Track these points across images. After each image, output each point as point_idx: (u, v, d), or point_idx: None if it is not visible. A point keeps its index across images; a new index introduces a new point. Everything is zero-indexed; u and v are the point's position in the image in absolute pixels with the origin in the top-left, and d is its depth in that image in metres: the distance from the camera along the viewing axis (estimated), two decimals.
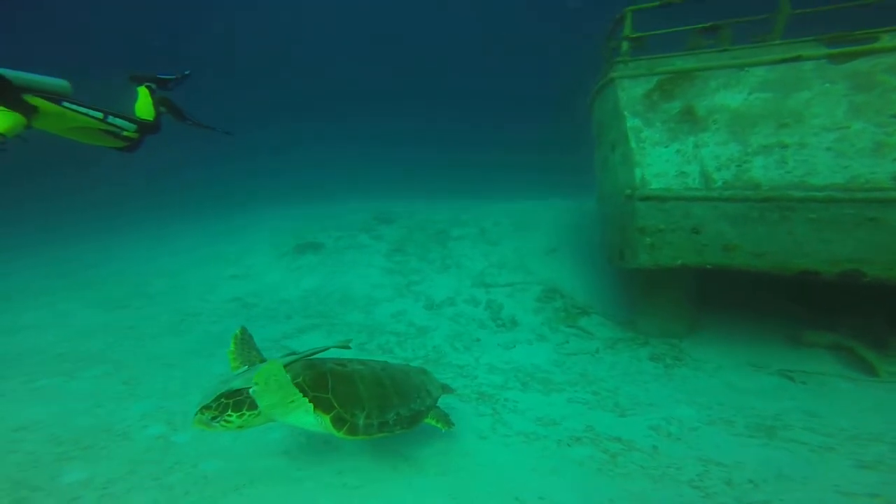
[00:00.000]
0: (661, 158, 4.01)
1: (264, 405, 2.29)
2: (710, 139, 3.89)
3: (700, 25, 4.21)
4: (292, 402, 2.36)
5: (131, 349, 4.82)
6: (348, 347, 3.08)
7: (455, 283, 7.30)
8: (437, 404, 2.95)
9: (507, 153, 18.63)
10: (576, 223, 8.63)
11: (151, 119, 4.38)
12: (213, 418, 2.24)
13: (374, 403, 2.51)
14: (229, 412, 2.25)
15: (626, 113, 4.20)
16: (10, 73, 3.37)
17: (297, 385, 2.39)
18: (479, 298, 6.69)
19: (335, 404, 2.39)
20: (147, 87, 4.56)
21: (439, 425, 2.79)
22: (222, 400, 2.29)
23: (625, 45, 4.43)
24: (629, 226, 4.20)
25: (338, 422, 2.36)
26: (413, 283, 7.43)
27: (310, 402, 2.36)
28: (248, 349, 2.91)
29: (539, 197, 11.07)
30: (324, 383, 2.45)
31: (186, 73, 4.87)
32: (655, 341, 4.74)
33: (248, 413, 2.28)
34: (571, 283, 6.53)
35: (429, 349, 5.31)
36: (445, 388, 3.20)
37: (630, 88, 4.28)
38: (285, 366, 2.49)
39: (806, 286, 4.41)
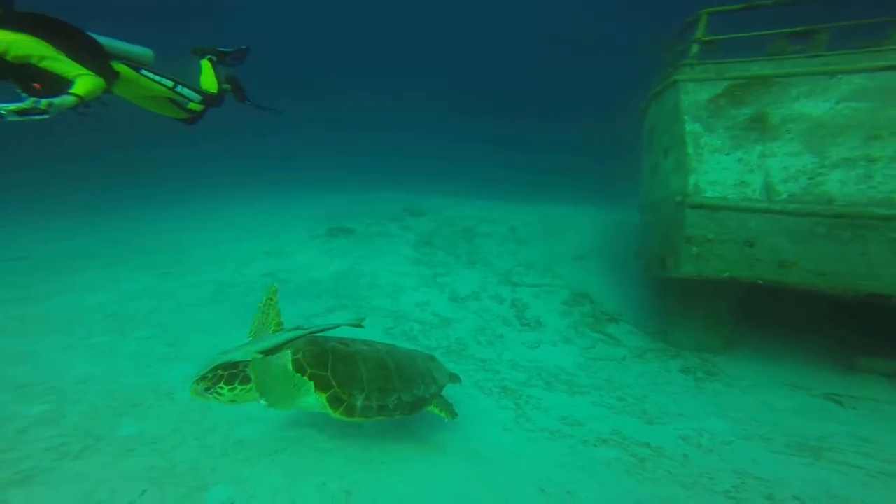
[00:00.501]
0: (719, 166, 3.86)
1: (267, 393, 2.17)
2: (780, 149, 3.72)
3: (790, 30, 3.98)
4: (294, 386, 2.25)
5: (174, 314, 4.97)
6: (361, 326, 3.00)
7: (481, 278, 7.26)
8: (443, 393, 2.83)
9: (540, 155, 18.39)
10: (607, 232, 8.47)
11: (215, 91, 4.41)
12: (207, 389, 2.21)
13: (374, 385, 2.41)
14: (221, 384, 2.21)
15: (686, 117, 4.05)
16: (102, 40, 3.48)
17: (296, 361, 2.33)
18: (504, 296, 6.64)
19: (333, 383, 2.30)
20: (209, 59, 4.60)
21: (443, 414, 2.66)
22: (218, 371, 2.26)
23: (695, 48, 4.27)
24: (675, 234, 4.07)
25: (334, 401, 2.26)
26: (439, 274, 7.43)
27: (308, 379, 2.26)
28: (271, 310, 2.86)
29: (570, 202, 10.92)
30: (323, 361, 2.37)
31: (244, 47, 4.85)
32: (688, 354, 4.59)
33: (239, 387, 2.22)
34: (600, 289, 6.41)
35: (452, 340, 5.30)
36: (453, 378, 3.07)
37: (694, 92, 4.12)
38: (288, 341, 2.46)
39: (852, 308, 4.18)
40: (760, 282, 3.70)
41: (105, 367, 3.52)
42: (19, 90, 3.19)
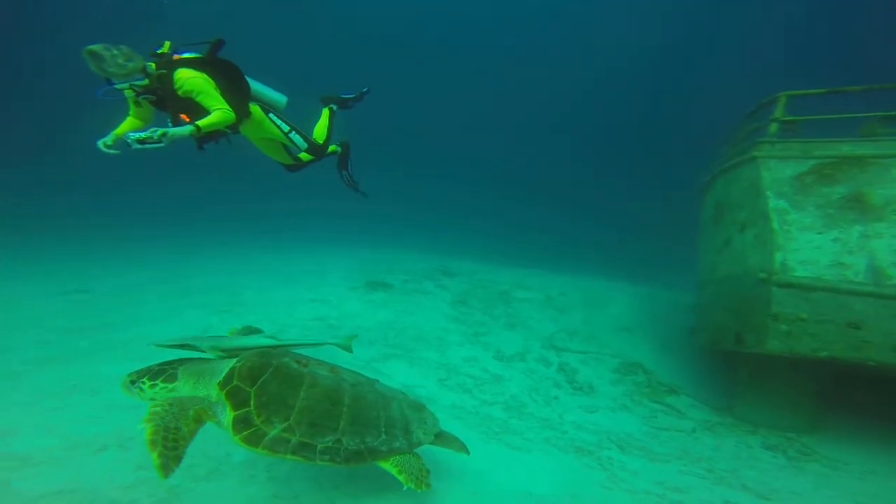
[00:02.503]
0: (810, 245, 3.86)
1: (177, 386, 2.01)
2: (886, 230, 3.69)
3: (885, 113, 4.15)
4: (203, 389, 2.01)
5: None
6: (349, 350, 2.76)
7: (522, 341, 7.09)
8: (418, 452, 2.27)
9: (571, 226, 18.62)
10: (647, 306, 8.37)
11: (321, 142, 4.39)
12: (133, 382, 2.03)
13: (306, 417, 1.97)
14: (145, 379, 2.02)
15: (768, 193, 4.13)
16: (252, 83, 3.71)
17: (231, 370, 2.03)
18: (550, 359, 6.43)
19: (251, 403, 1.93)
20: (330, 108, 4.62)
21: (401, 478, 2.08)
22: (154, 366, 2.08)
23: (773, 127, 4.45)
24: (758, 310, 4.00)
25: (240, 423, 1.88)
26: (480, 333, 7.28)
27: (223, 393, 1.94)
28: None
29: (601, 276, 10.93)
30: (256, 376, 2.02)
31: (365, 90, 4.84)
32: (764, 431, 4.29)
33: (161, 385, 2.02)
34: (653, 360, 6.20)
35: (507, 396, 5.06)
36: (443, 438, 2.48)
37: (776, 169, 4.23)
38: (260, 346, 2.24)
39: None
40: (872, 363, 3.53)
41: None
42: (169, 120, 3.45)
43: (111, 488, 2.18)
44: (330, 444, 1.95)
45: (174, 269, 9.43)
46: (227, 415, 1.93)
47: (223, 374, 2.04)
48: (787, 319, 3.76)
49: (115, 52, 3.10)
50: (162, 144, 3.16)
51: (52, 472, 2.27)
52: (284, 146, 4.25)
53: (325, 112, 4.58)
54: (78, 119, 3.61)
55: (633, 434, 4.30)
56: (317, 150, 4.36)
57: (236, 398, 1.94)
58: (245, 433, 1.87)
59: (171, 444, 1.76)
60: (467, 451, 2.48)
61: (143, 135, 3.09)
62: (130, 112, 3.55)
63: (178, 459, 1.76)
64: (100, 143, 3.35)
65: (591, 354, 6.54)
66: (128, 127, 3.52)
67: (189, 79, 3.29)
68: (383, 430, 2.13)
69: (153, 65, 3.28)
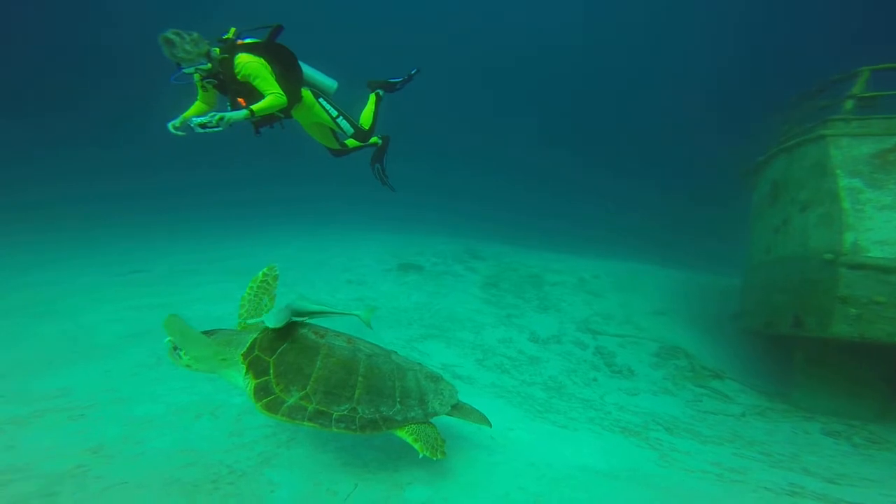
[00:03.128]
0: (889, 224, 3.63)
1: (189, 356, 2.07)
2: None
3: None
4: (223, 360, 2.07)
5: None
6: (369, 325, 2.64)
7: (557, 323, 6.98)
8: (435, 422, 2.23)
9: (593, 211, 18.17)
10: (682, 290, 8.11)
11: (366, 128, 4.28)
12: (175, 348, 2.09)
13: (323, 386, 1.99)
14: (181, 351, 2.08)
15: (838, 171, 3.89)
16: (304, 67, 3.71)
17: (253, 341, 2.09)
18: (586, 342, 6.32)
19: (271, 371, 1.98)
20: (377, 93, 4.49)
21: (417, 446, 2.06)
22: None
23: (849, 104, 4.17)
24: (821, 292, 3.79)
25: (260, 391, 1.94)
26: (513, 315, 7.21)
27: (245, 362, 2.01)
28: (265, 294, 2.64)
29: (632, 259, 10.62)
30: (276, 346, 2.07)
31: (414, 71, 4.65)
32: (824, 418, 4.10)
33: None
34: (693, 344, 6.01)
35: (545, 377, 5.00)
36: (461, 410, 2.41)
37: (849, 147, 3.97)
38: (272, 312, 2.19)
39: None
40: None
41: None
42: (228, 104, 3.49)
43: (213, 451, 2.35)
44: (346, 412, 1.97)
45: (217, 250, 9.67)
46: (249, 383, 1.97)
47: (247, 345, 2.10)
48: (859, 303, 3.54)
49: (186, 37, 3.21)
50: (220, 128, 3.27)
51: (170, 434, 2.49)
52: (332, 131, 4.22)
53: (372, 98, 4.46)
54: (154, 103, 3.70)
55: (679, 417, 4.18)
56: (362, 135, 4.26)
57: (257, 367, 2.00)
58: (265, 400, 1.91)
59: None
60: (489, 423, 2.40)
61: (203, 119, 3.21)
62: (198, 96, 3.62)
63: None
64: (169, 126, 3.47)
65: (628, 338, 6.39)
66: (195, 110, 3.61)
67: (247, 63, 3.33)
68: (398, 399, 2.13)
69: (217, 50, 3.34)
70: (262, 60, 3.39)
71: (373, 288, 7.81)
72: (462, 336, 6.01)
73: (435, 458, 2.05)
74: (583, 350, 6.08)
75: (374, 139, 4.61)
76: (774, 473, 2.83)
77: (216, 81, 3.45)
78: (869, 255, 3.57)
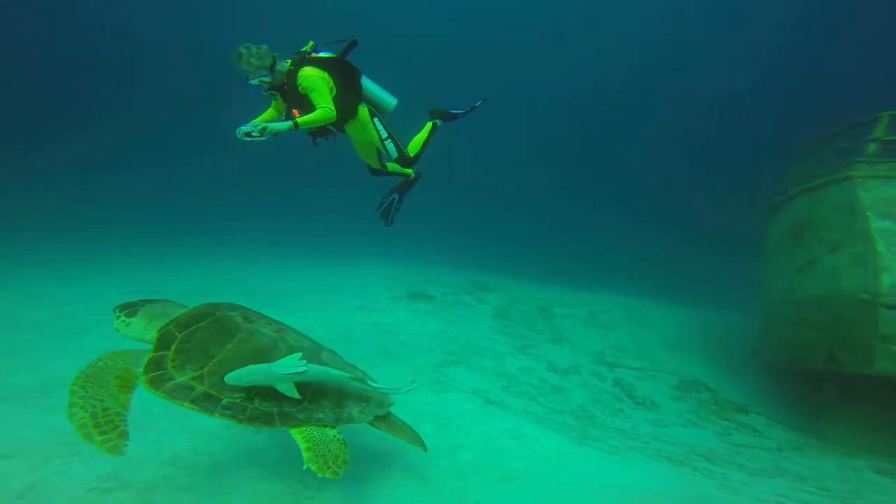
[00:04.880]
0: None
1: (119, 320, 2.07)
2: None
3: None
4: (151, 332, 1.99)
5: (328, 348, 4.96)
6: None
7: (572, 355, 6.86)
8: (338, 428, 1.91)
9: (602, 247, 18.27)
10: (692, 327, 8.09)
11: (411, 156, 4.13)
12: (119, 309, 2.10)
13: (223, 369, 1.79)
14: (117, 309, 2.08)
15: (869, 213, 3.98)
16: (366, 82, 3.72)
17: (176, 317, 2.00)
18: (604, 374, 6.19)
19: (172, 347, 1.85)
20: (434, 122, 4.31)
21: (306, 455, 1.75)
22: (136, 300, 2.15)
23: (872, 147, 4.32)
24: (859, 330, 3.82)
25: (152, 364, 1.79)
26: (528, 346, 7.07)
27: (157, 335, 1.91)
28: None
29: (638, 296, 10.61)
30: (190, 323, 1.94)
31: (478, 103, 4.46)
32: (866, 455, 3.98)
33: (123, 318, 2.06)
34: (712, 378, 5.92)
35: (573, 406, 4.85)
36: (392, 425, 2.14)
37: (877, 189, 4.08)
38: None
39: None
40: None
41: None
42: (284, 114, 3.54)
43: (280, 463, 2.34)
44: (238, 400, 1.76)
45: (221, 275, 9.46)
46: (147, 356, 1.83)
47: (168, 319, 1.99)
48: None
49: (254, 50, 3.30)
50: (263, 138, 3.27)
51: (236, 445, 2.47)
52: (378, 151, 4.17)
53: (428, 126, 4.30)
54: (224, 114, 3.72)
55: (715, 449, 4.04)
56: (406, 162, 4.14)
57: (162, 341, 1.87)
58: (151, 375, 1.75)
59: (107, 426, 1.65)
60: (423, 447, 2.13)
61: (247, 127, 3.23)
62: (272, 104, 3.66)
63: (124, 435, 1.64)
64: (237, 131, 3.35)
65: (646, 371, 6.28)
66: (265, 118, 3.63)
67: (308, 76, 3.37)
68: (308, 397, 1.88)
69: (289, 62, 3.41)
70: (325, 74, 3.42)
71: (386, 314, 7.65)
72: (484, 364, 5.85)
73: (322, 476, 1.70)
74: (602, 381, 5.94)
75: (409, 171, 4.43)
76: None
77: (279, 93, 3.50)
78: None
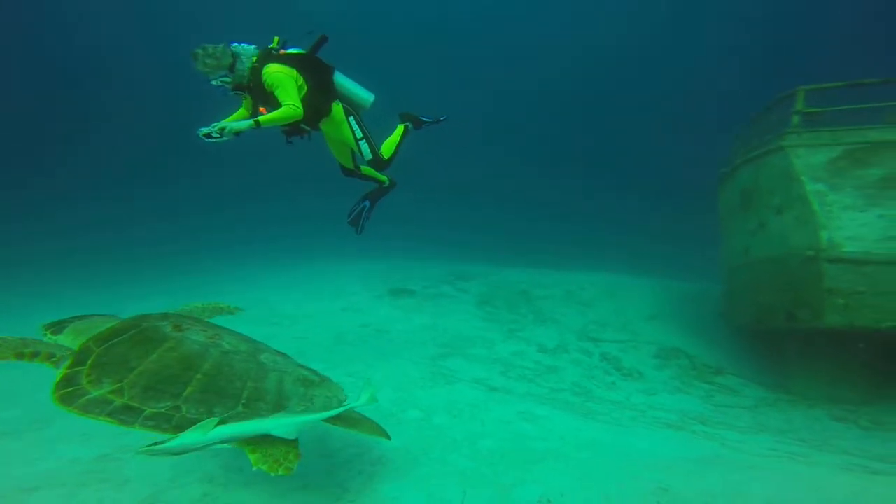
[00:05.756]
0: (855, 222, 4.02)
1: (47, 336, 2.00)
2: None
3: None
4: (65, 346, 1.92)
5: (325, 354, 4.84)
6: (374, 400, 2.12)
7: (557, 334, 7.09)
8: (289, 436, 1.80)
9: (574, 225, 18.67)
10: (666, 297, 8.52)
11: (385, 158, 4.03)
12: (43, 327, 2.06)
13: (144, 380, 1.71)
14: (44, 329, 2.03)
15: (803, 178, 4.31)
16: (340, 78, 3.61)
17: (96, 335, 1.91)
18: (590, 350, 6.45)
19: (89, 361, 1.77)
20: (405, 126, 4.27)
21: (252, 456, 1.71)
22: (64, 319, 2.09)
23: (796, 119, 4.67)
24: (809, 286, 4.14)
25: (64, 381, 1.70)
26: (515, 330, 7.25)
27: (76, 351, 1.84)
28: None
29: (610, 271, 11.00)
30: (111, 337, 1.87)
31: (443, 118, 4.50)
32: (824, 405, 4.39)
33: (49, 336, 2.00)
34: (689, 345, 6.30)
35: (569, 384, 5.04)
36: (345, 419, 2.03)
37: (807, 156, 4.43)
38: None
39: None
40: None
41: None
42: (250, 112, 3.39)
43: (313, 473, 2.37)
44: (164, 410, 1.67)
45: (197, 287, 9.05)
46: (60, 373, 1.75)
47: (91, 334, 1.92)
48: (844, 293, 3.90)
49: (210, 50, 3.19)
50: (224, 138, 3.17)
51: None
52: (352, 151, 4.11)
53: (400, 129, 4.25)
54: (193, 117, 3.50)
55: (704, 412, 4.33)
56: (379, 164, 4.06)
57: (79, 357, 1.79)
58: (63, 392, 1.67)
59: None
60: (386, 436, 2.08)
61: (206, 129, 3.13)
62: (243, 105, 3.47)
63: None
64: (198, 133, 3.23)
65: (628, 343, 6.59)
66: (234, 118, 3.47)
67: (273, 73, 3.27)
68: (243, 402, 1.79)
69: (254, 59, 3.27)
70: (292, 71, 3.32)
71: (371, 314, 7.59)
72: (477, 352, 5.95)
73: (274, 474, 1.68)
74: (590, 357, 6.20)
75: (384, 177, 4.41)
76: (832, 457, 2.98)
77: (243, 92, 3.39)
78: (844, 249, 3.98)
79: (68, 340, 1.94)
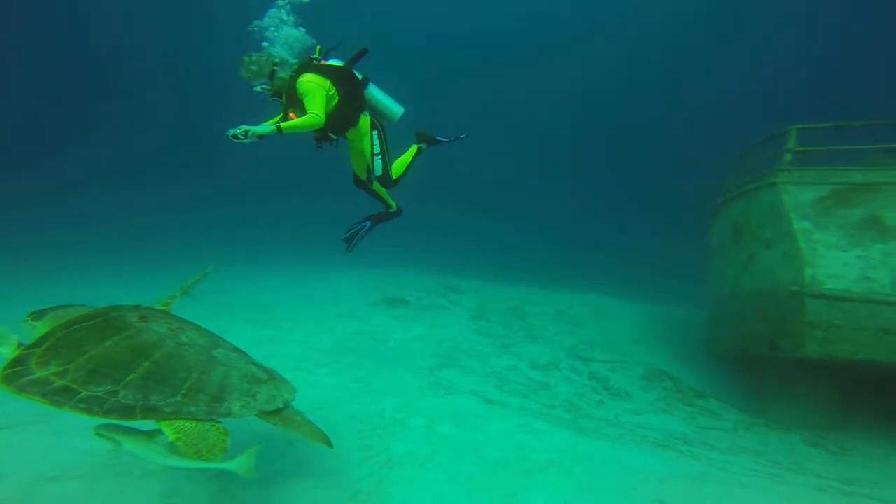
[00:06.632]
0: (837, 261, 4.30)
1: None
2: None
3: (887, 146, 4.71)
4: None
5: (328, 359, 4.95)
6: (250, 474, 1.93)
7: (549, 351, 7.28)
8: (225, 423, 1.84)
9: (566, 246, 18.95)
10: (650, 321, 8.81)
11: (394, 178, 4.06)
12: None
13: (91, 364, 1.74)
14: (28, 315, 2.07)
15: (792, 215, 4.61)
16: (375, 90, 3.79)
17: (65, 321, 1.95)
18: (580, 368, 6.65)
19: (45, 344, 1.81)
20: (419, 147, 4.29)
21: (171, 437, 1.69)
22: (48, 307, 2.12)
23: (787, 157, 4.95)
24: (792, 319, 4.41)
25: (13, 362, 1.73)
26: (508, 345, 7.42)
27: (41, 335, 1.88)
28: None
29: (598, 293, 11.28)
30: (75, 323, 1.91)
31: (463, 136, 4.52)
32: (797, 430, 4.64)
33: (29, 322, 2.05)
34: (674, 368, 6.55)
35: (560, 401, 5.21)
36: (286, 419, 2.02)
37: (796, 193, 4.71)
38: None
39: None
40: None
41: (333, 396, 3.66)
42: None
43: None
44: (100, 393, 1.67)
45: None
46: (13, 354, 1.80)
47: (62, 321, 1.96)
48: (823, 326, 4.19)
49: (254, 58, 3.45)
50: (248, 140, 3.34)
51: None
52: (367, 164, 4.21)
53: (413, 149, 4.29)
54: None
55: (687, 433, 4.54)
56: (387, 182, 4.10)
57: (39, 340, 1.84)
58: (8, 371, 1.68)
59: None
60: (328, 444, 2.04)
61: (234, 130, 3.30)
62: (281, 110, 3.64)
63: None
64: (227, 133, 3.36)
65: (616, 363, 6.81)
66: (270, 123, 3.62)
67: (305, 82, 3.45)
68: (182, 391, 1.80)
69: (295, 68, 3.52)
70: (325, 82, 3.49)
71: (367, 321, 7.69)
72: (472, 365, 6.09)
73: (198, 460, 1.68)
74: (580, 376, 6.39)
75: (392, 202, 4.48)
76: (807, 479, 3.20)
77: (281, 99, 3.59)
78: (825, 287, 4.28)
79: (45, 327, 1.97)
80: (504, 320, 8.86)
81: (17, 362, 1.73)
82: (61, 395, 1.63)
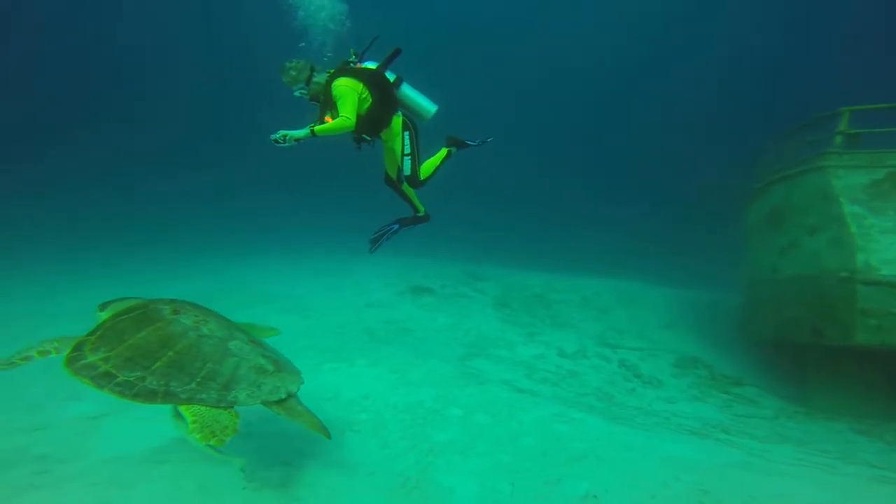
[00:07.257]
0: (893, 247, 4.13)
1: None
2: None
3: None
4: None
5: (364, 349, 5.05)
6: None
7: (576, 339, 7.22)
8: (237, 409, 2.01)
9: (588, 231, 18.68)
10: (679, 306, 8.62)
11: (422, 179, 4.09)
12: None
13: (128, 352, 1.98)
14: (98, 307, 2.32)
15: (842, 199, 4.41)
16: (407, 90, 3.81)
17: (117, 311, 2.20)
18: (609, 356, 6.58)
19: (98, 332, 2.07)
20: (449, 150, 4.28)
21: (194, 426, 1.88)
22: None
23: (838, 139, 4.75)
24: (841, 306, 4.26)
25: (75, 348, 2.00)
26: (534, 333, 7.39)
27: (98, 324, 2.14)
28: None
29: (622, 278, 11.04)
30: (123, 314, 2.17)
31: (490, 139, 4.50)
32: (845, 419, 4.49)
33: (98, 312, 2.30)
34: (706, 353, 6.41)
35: (591, 389, 5.19)
36: (289, 409, 2.13)
37: (846, 177, 4.52)
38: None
39: None
40: None
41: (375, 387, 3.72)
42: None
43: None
44: (132, 378, 1.92)
45: (230, 278, 9.25)
46: (77, 340, 2.06)
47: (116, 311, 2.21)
48: (877, 314, 4.01)
49: (294, 63, 3.56)
50: (286, 144, 3.45)
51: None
52: (396, 163, 4.23)
53: (442, 152, 4.29)
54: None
55: (724, 421, 4.46)
56: (414, 183, 4.12)
57: (95, 329, 2.09)
58: (69, 355, 1.97)
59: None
60: (326, 434, 2.08)
61: (275, 135, 3.43)
62: (319, 113, 3.72)
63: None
64: (270, 138, 3.52)
65: (645, 351, 6.72)
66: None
67: (339, 85, 3.53)
68: (198, 379, 2.00)
69: (331, 72, 3.59)
70: (358, 85, 3.54)
71: (395, 310, 7.77)
72: (500, 354, 6.11)
73: (206, 443, 1.86)
74: (609, 363, 6.33)
75: (421, 206, 4.49)
76: (860, 469, 3.10)
77: (318, 102, 3.70)
78: (881, 273, 4.07)
79: (106, 316, 2.25)
80: (529, 308, 8.82)
81: (77, 347, 2.00)
82: (103, 379, 1.89)
